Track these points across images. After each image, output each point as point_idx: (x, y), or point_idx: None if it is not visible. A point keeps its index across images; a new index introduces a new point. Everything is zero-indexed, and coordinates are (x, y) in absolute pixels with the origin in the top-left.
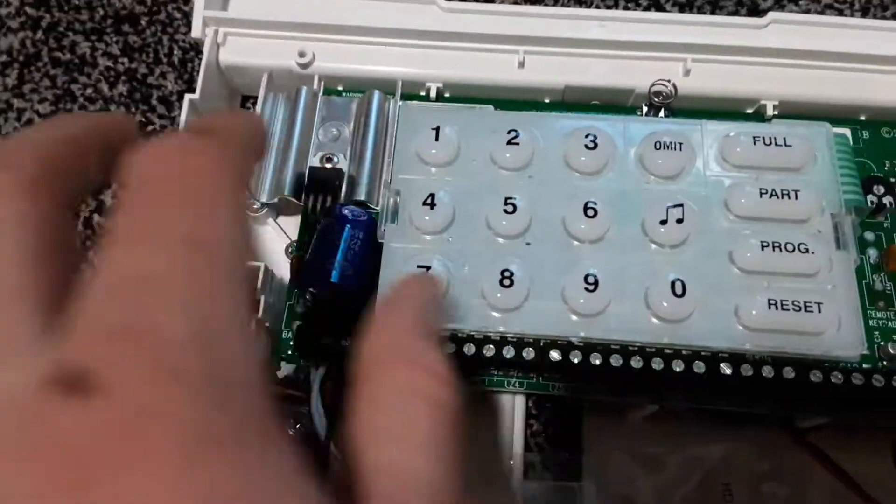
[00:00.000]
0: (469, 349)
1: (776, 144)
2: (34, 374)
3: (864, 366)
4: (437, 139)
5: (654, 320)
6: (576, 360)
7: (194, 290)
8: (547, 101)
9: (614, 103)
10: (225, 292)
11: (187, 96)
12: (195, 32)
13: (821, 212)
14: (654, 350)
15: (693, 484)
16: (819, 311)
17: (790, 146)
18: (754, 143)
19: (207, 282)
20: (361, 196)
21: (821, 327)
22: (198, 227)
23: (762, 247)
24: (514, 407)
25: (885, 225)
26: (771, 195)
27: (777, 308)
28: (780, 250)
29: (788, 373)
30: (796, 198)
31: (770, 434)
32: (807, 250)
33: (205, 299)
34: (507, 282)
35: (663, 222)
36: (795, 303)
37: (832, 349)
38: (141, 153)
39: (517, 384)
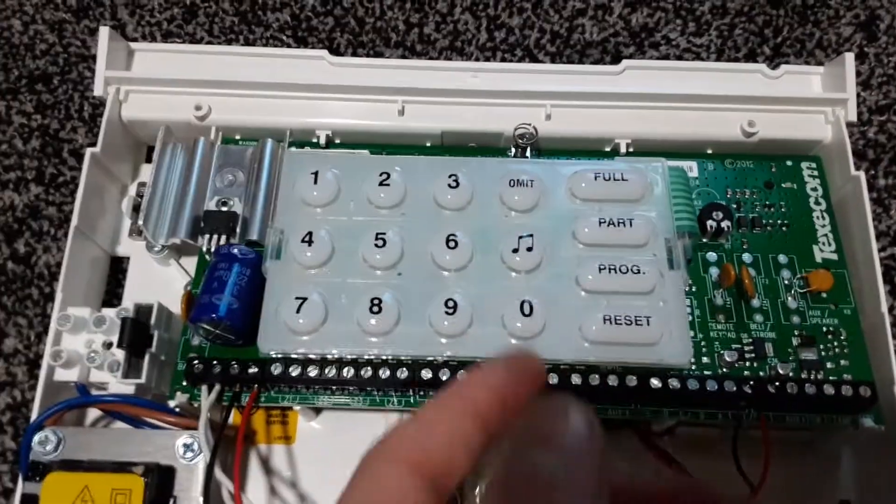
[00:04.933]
0: (348, 372)
1: (615, 179)
2: None
3: (706, 372)
4: (315, 182)
5: (511, 339)
6: (444, 378)
7: None
8: (428, 144)
9: (487, 146)
10: None
11: (89, 150)
12: (97, 91)
13: (655, 237)
14: None
15: None
16: (648, 325)
17: (627, 180)
18: (595, 179)
19: None
20: (254, 236)
21: (652, 338)
22: None
23: (600, 270)
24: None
25: (726, 246)
26: (609, 224)
27: (612, 323)
28: (616, 272)
29: (631, 380)
30: (631, 226)
31: (627, 438)
32: (639, 271)
33: None
34: (376, 308)
35: (515, 251)
36: (627, 318)
37: (664, 358)
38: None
39: (396, 402)
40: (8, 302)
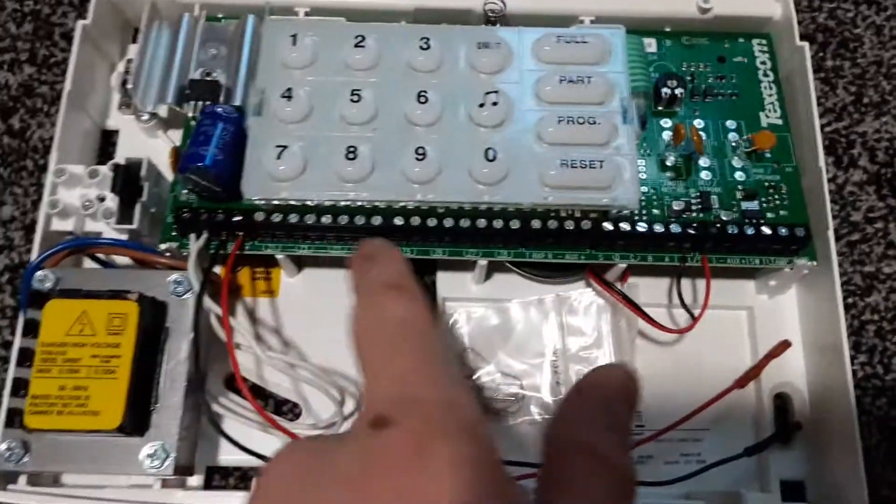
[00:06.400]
0: (327, 219)
1: (576, 42)
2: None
3: (655, 221)
4: (294, 44)
5: (477, 185)
6: (415, 224)
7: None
8: (403, 22)
9: (459, 22)
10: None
11: (80, 22)
12: None
13: (612, 95)
14: (477, 210)
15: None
16: (601, 168)
17: (587, 43)
18: (558, 42)
19: None
20: (237, 102)
21: (604, 182)
22: None
23: (558, 121)
24: None
25: (680, 113)
26: (569, 82)
27: (568, 167)
28: (574, 123)
29: (586, 224)
30: (589, 83)
31: (587, 283)
32: (594, 122)
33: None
34: (351, 156)
35: (482, 106)
36: (583, 162)
37: (615, 199)
38: None
39: None
40: (4, 173)
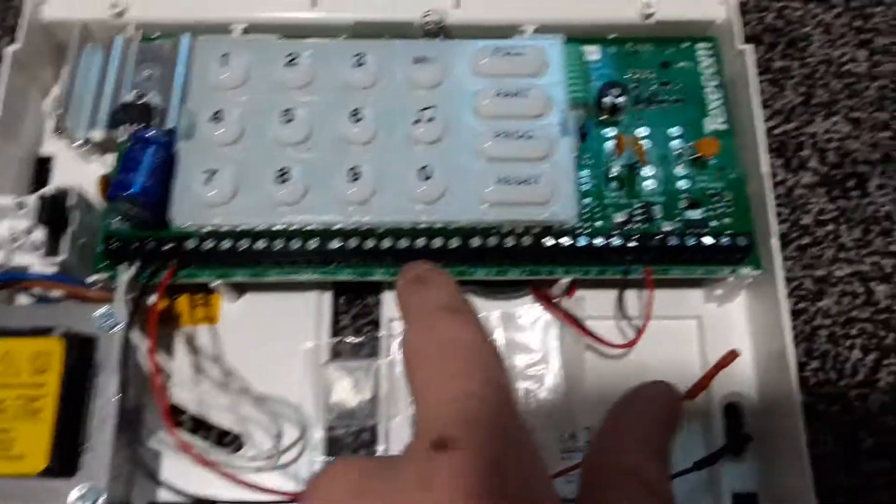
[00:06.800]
0: (262, 244)
1: (513, 55)
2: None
3: (597, 234)
4: (225, 65)
5: (414, 204)
6: (353, 246)
7: None
8: (343, 37)
9: (400, 35)
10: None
11: (10, 49)
12: None
13: (550, 107)
14: (416, 229)
15: None
16: (539, 184)
17: (524, 55)
18: (495, 55)
19: None
20: (171, 125)
21: (542, 197)
22: None
23: (496, 136)
24: (321, 301)
25: (623, 122)
26: (506, 95)
27: (505, 184)
28: (511, 138)
29: (527, 240)
30: (527, 96)
31: (530, 302)
32: (531, 136)
33: None
34: (283, 178)
35: (417, 122)
36: (518, 178)
37: (554, 215)
38: None
39: (310, 273)
40: None
